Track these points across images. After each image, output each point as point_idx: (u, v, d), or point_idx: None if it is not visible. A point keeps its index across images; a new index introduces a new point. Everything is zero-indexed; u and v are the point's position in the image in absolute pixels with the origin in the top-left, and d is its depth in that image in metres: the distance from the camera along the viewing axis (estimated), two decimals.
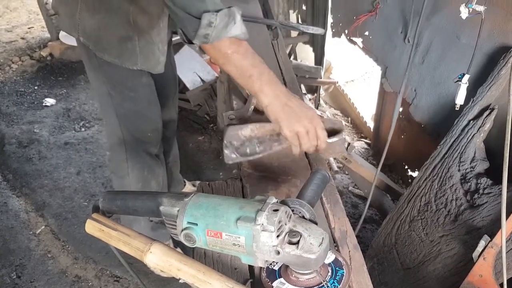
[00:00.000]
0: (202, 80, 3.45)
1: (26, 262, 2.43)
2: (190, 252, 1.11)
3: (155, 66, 1.71)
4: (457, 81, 1.82)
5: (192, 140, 3.38)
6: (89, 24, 1.56)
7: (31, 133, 3.39)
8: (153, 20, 1.62)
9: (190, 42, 1.24)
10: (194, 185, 2.76)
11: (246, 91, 1.55)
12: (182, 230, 0.92)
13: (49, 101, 3.79)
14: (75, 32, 1.59)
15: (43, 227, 2.64)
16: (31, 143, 3.29)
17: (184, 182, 2.72)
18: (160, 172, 2.12)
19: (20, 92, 3.90)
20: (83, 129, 3.45)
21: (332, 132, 1.27)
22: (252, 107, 1.58)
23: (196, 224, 0.90)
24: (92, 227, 1.01)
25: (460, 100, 1.82)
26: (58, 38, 4.29)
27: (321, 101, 3.85)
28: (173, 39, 1.97)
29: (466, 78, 1.80)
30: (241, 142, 1.32)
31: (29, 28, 4.89)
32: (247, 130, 1.33)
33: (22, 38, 4.67)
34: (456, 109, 1.84)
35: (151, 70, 1.71)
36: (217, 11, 1.14)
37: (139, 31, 1.59)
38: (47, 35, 4.58)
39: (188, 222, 0.91)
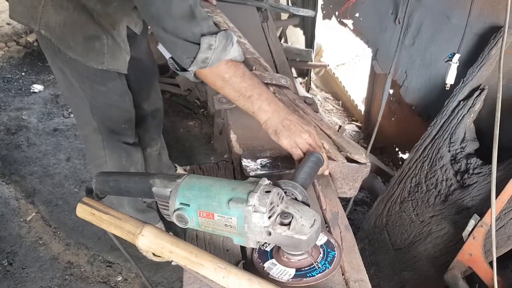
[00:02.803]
0: None
1: (18, 249, 2.42)
2: (182, 235, 1.11)
3: (123, 65, 1.67)
4: (448, 60, 1.82)
5: (182, 125, 3.36)
6: (53, 19, 1.50)
7: (19, 119, 3.35)
8: (114, 21, 1.59)
9: (183, 70, 1.20)
10: (185, 170, 2.76)
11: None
12: (174, 211, 0.92)
13: (37, 87, 3.74)
14: (35, 24, 1.52)
15: (33, 214, 2.63)
16: (20, 130, 3.25)
17: (175, 167, 2.71)
18: (138, 159, 2.11)
19: (7, 78, 3.83)
20: (71, 115, 3.40)
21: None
22: None
23: (189, 205, 0.90)
24: (83, 211, 1.00)
25: (450, 79, 1.82)
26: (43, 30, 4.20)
27: (312, 85, 3.84)
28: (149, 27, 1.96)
29: (456, 57, 1.79)
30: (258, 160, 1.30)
31: None
32: (266, 153, 1.31)
33: (8, 24, 4.58)
34: (447, 88, 1.84)
35: (119, 69, 1.67)
36: (214, 33, 1.11)
37: (106, 31, 1.56)
38: None
39: (181, 203, 0.91)
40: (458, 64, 1.79)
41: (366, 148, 2.73)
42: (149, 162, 2.40)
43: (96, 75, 1.69)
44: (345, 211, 1.32)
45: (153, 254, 2.20)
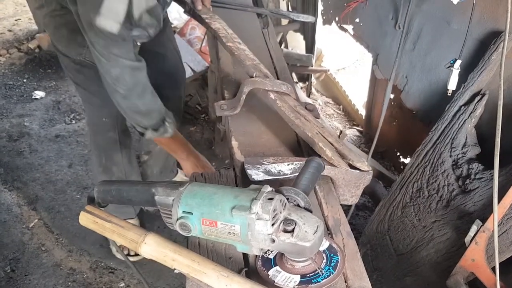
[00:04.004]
0: (192, 70, 3.43)
1: (20, 255, 2.42)
2: (183, 242, 1.11)
3: None
4: (449, 66, 1.82)
5: (184, 130, 3.36)
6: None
7: (21, 126, 3.36)
8: None
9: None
10: (186, 175, 2.76)
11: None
12: (177, 219, 0.92)
13: (39, 93, 3.75)
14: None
15: (36, 220, 2.63)
16: (22, 137, 3.26)
17: (177, 171, 2.72)
18: (120, 160, 2.16)
19: (8, 85, 3.85)
20: (73, 122, 3.42)
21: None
22: (244, 96, 1.58)
23: (191, 213, 0.91)
24: (86, 219, 1.01)
25: (452, 85, 1.83)
26: (45, 30, 4.23)
27: (313, 89, 3.85)
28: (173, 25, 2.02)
29: (458, 63, 1.80)
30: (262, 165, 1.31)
31: (16, 20, 4.81)
32: (269, 159, 1.32)
33: (9, 31, 4.60)
34: (448, 94, 1.85)
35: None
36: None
37: None
38: (35, 27, 4.51)
39: (183, 211, 0.91)
40: (459, 70, 1.79)
41: (367, 153, 2.74)
42: (155, 159, 2.49)
43: (75, 63, 1.77)
44: (346, 216, 1.32)
45: (128, 254, 2.23)
